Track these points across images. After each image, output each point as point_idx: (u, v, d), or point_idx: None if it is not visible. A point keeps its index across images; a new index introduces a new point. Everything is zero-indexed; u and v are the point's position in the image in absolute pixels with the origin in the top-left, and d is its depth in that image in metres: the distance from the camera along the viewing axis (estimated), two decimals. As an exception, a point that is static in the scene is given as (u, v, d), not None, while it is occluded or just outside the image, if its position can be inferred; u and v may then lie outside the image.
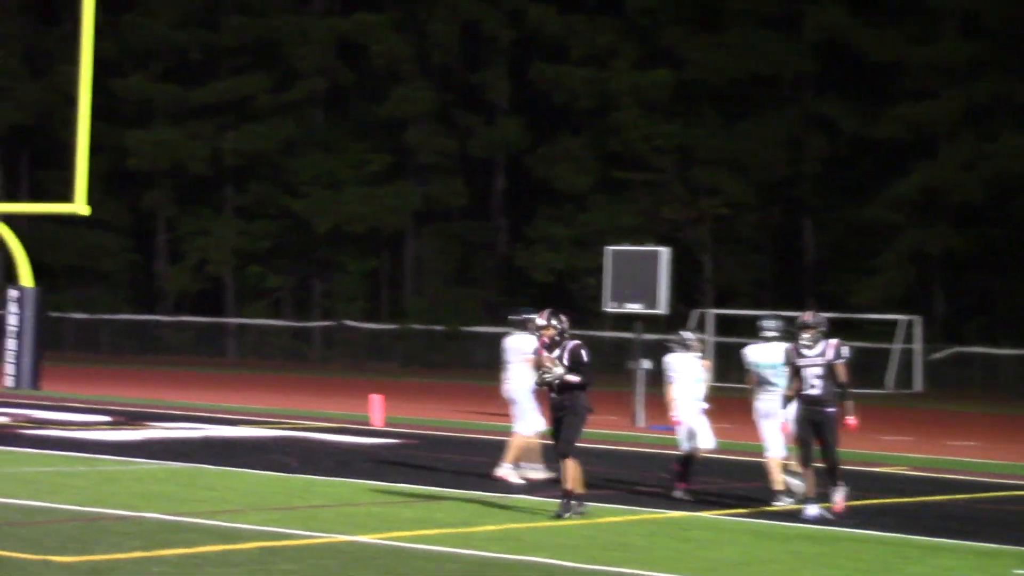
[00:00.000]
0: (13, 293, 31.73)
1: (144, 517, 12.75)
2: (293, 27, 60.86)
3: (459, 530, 12.85)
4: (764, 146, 54.75)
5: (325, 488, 15.82)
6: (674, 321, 33.89)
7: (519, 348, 17.14)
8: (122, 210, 61.31)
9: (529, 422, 17.04)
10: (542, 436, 16.89)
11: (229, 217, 62.65)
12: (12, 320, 31.43)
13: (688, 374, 15.90)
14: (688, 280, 50.56)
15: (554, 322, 14.04)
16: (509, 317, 17.77)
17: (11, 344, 31.36)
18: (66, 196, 29.70)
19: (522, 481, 16.75)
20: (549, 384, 13.92)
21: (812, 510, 14.21)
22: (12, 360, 31.37)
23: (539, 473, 17.03)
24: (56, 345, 48.84)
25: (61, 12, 59.81)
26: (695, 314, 44.88)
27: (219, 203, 63.19)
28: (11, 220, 33.57)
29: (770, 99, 56.09)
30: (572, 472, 13.82)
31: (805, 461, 14.52)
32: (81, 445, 19.53)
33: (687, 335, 16.37)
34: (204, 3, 62.06)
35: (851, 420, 14.41)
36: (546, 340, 14.06)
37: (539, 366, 14.09)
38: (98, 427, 22.85)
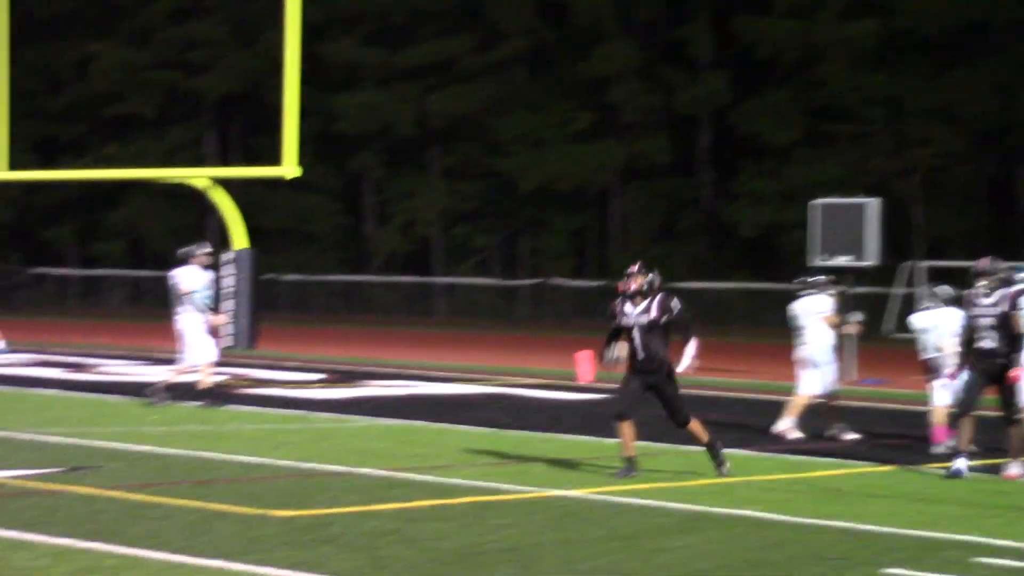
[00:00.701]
0: (229, 255, 32.47)
1: (359, 472, 12.99)
2: (496, -13, 61.02)
3: (671, 484, 12.86)
4: (975, 95, 53.46)
5: (536, 443, 15.94)
6: (883, 273, 33.33)
7: (813, 309, 17.16)
8: (331, 173, 62.21)
9: (819, 382, 17.06)
10: (833, 397, 17.09)
11: (436, 178, 63.24)
12: (229, 282, 32.17)
13: (947, 329, 15.42)
14: (897, 232, 49.68)
15: (641, 273, 13.10)
16: (800, 280, 17.70)
17: (228, 305, 32.11)
18: (277, 160, 30.21)
19: (801, 435, 16.79)
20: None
21: (960, 463, 13.74)
22: (230, 321, 32.14)
23: (847, 434, 16.98)
24: (271, 306, 49.84)
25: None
26: (906, 266, 44.12)
27: (426, 164, 63.81)
28: (225, 185, 34.34)
29: (981, 47, 54.74)
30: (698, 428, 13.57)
31: (965, 410, 13.83)
32: (297, 403, 19.95)
33: (943, 290, 16.12)
34: (409, -34, 62.57)
35: (1014, 372, 13.66)
36: (628, 289, 13.08)
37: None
38: (313, 385, 23.31)
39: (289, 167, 29.23)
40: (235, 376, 24.11)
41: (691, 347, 13.33)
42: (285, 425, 17.27)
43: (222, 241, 36.13)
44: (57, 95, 63.67)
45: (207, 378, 19.12)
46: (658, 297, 13.06)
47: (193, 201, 52.87)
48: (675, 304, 13.10)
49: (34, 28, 56.78)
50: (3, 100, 31.19)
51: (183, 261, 19.35)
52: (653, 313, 12.94)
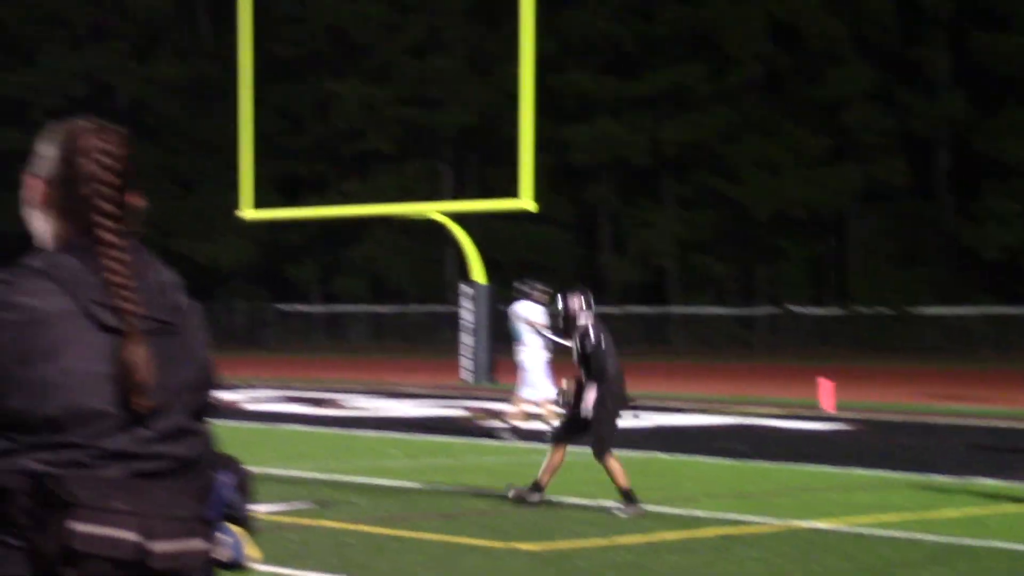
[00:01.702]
0: (467, 290, 32.80)
1: (601, 505, 12.97)
2: (728, 13, 60.80)
3: (919, 515, 12.57)
4: None
5: (778, 474, 15.74)
6: None
7: None
8: (566, 204, 62.55)
9: None
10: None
11: (670, 207, 63.12)
12: (467, 316, 32.49)
13: None
14: None
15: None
16: None
17: (467, 339, 32.42)
18: (513, 193, 30.46)
19: None
20: None
21: None
22: (468, 355, 32.44)
23: None
24: (509, 339, 50.22)
25: (502, 13, 61.49)
26: None
27: (660, 193, 63.73)
28: (463, 219, 34.74)
29: None
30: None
31: None
32: (537, 435, 20.03)
33: None
34: (638, -5, 62.73)
35: None
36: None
37: None
38: (553, 417, 23.37)
39: (526, 200, 29.41)
40: (473, 409, 24.30)
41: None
42: (525, 457, 17.34)
43: (460, 275, 36.55)
44: (299, 134, 65.23)
45: (532, 412, 19.43)
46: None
47: (431, 235, 53.61)
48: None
49: (277, 69, 58.30)
50: (248, 141, 32.04)
51: (522, 296, 19.74)
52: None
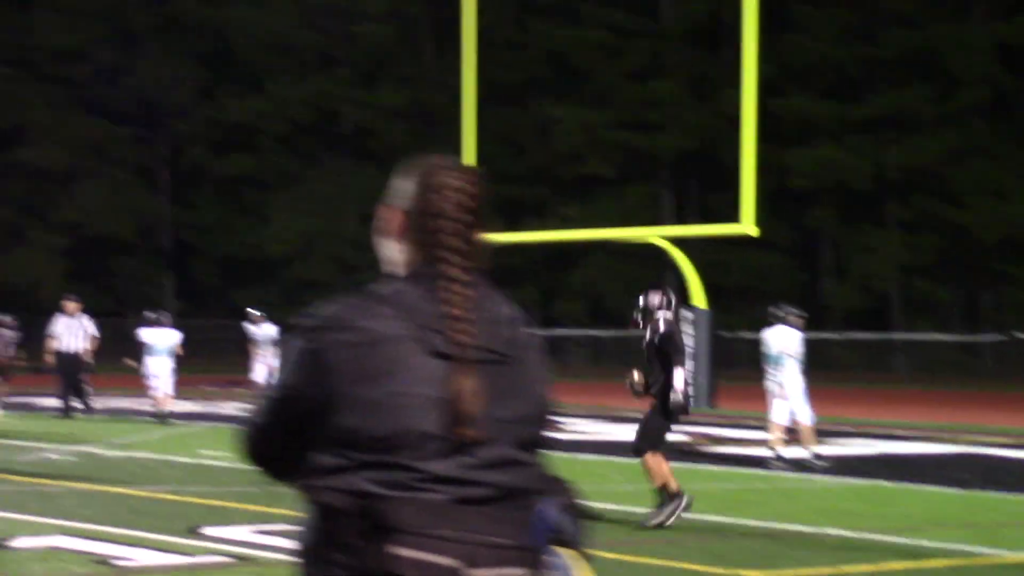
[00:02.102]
0: (687, 315, 32.77)
1: (825, 533, 12.88)
2: (952, 35, 59.77)
3: None
4: None
5: (1008, 504, 15.45)
6: None
7: None
8: (785, 229, 62.04)
9: None
10: None
11: (893, 231, 62.19)
12: (687, 341, 32.44)
13: None
14: None
15: None
16: None
17: (687, 364, 32.40)
18: (733, 217, 30.35)
19: None
20: None
21: None
22: (689, 380, 32.40)
23: None
24: (728, 364, 49.98)
25: (723, 37, 61.31)
26: None
27: (882, 218, 62.83)
28: (683, 243, 34.71)
29: None
30: None
31: None
32: (758, 461, 19.93)
33: None
34: (861, 18, 61.98)
35: None
36: None
37: None
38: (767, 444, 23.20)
39: (747, 225, 29.28)
40: (695, 435, 24.28)
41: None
42: (748, 484, 17.29)
43: (680, 300, 36.52)
44: (520, 159, 65.81)
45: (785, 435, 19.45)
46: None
47: (650, 260, 53.62)
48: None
49: (497, 94, 58.94)
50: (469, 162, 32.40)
51: (777, 321, 19.84)
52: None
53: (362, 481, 3.08)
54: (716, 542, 12.40)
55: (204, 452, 19.61)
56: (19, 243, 67.18)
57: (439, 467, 3.10)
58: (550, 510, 3.20)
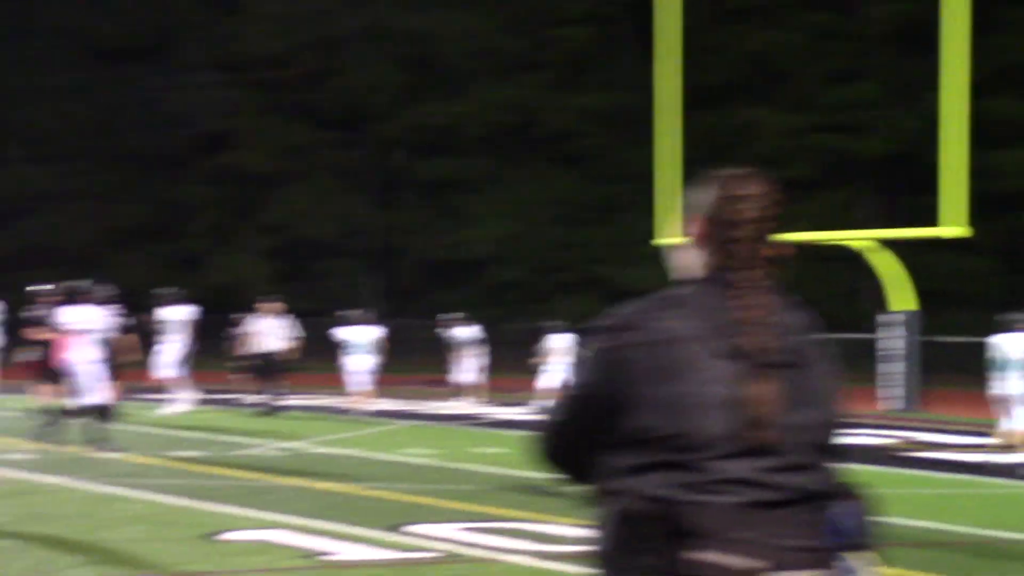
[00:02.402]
0: (892, 318, 32.30)
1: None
2: None
3: None
4: None
5: None
6: None
7: None
8: (992, 232, 60.66)
9: None
10: None
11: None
12: (891, 344, 32.00)
13: None
14: None
15: None
16: None
17: (888, 368, 31.94)
18: (936, 220, 29.86)
19: None
20: None
21: None
22: (890, 384, 31.94)
23: None
24: (936, 368, 49.12)
25: (927, 39, 60.24)
26: None
27: (1095, 221, 61.20)
28: (891, 245, 34.22)
29: None
30: None
31: None
32: (968, 467, 19.57)
33: None
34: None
35: None
36: None
37: None
38: (978, 449, 22.78)
39: (957, 227, 28.79)
40: (901, 439, 23.93)
41: None
42: (958, 490, 16.99)
43: (878, 304, 35.99)
44: (721, 162, 65.32)
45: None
46: None
47: (847, 264, 52.91)
48: None
49: (699, 97, 58.70)
50: (677, 168, 32.41)
51: (1012, 327, 19.65)
52: None
53: (658, 484, 3.13)
54: (927, 550, 12.21)
55: (408, 450, 19.86)
56: (228, 245, 68.82)
57: (733, 469, 3.13)
58: (844, 514, 3.20)
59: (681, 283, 3.33)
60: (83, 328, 19.26)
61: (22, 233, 74.85)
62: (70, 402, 19.25)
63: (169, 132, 71.72)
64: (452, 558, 10.75)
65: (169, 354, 26.61)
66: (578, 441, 3.31)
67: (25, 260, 70.53)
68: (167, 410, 26.22)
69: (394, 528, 12.08)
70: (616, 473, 3.19)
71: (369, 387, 27.58)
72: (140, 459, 17.70)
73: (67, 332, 19.28)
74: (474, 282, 65.79)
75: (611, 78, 67.25)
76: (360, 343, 27.74)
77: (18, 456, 17.60)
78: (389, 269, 70.57)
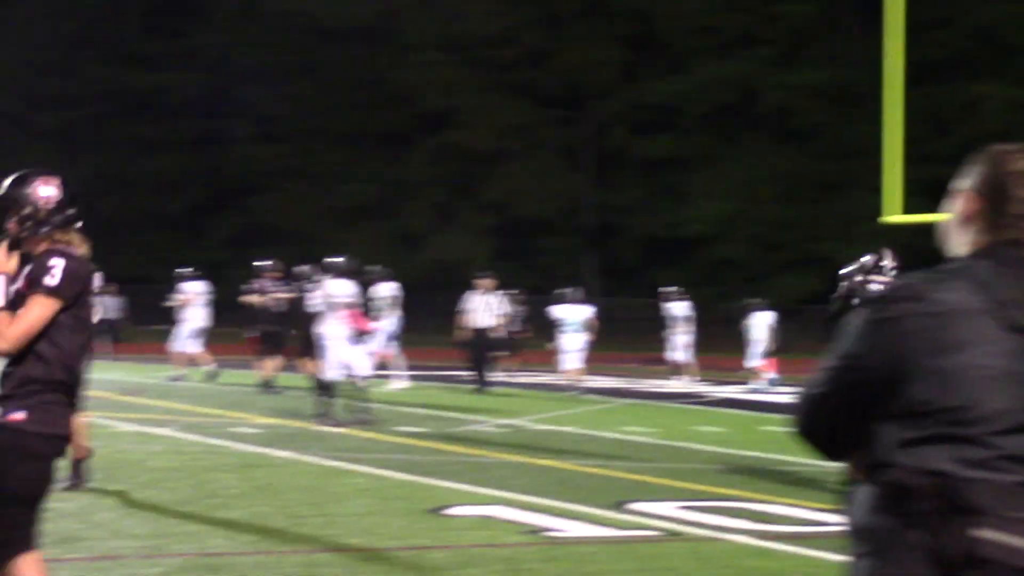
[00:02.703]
0: None
1: None
2: None
3: None
4: None
5: None
6: None
7: None
8: None
9: None
10: None
11: None
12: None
13: None
14: None
15: None
16: None
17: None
18: None
19: None
20: None
21: None
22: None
23: None
24: None
25: None
26: None
27: None
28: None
29: None
30: None
31: None
32: None
33: None
34: None
35: None
36: None
37: None
38: None
39: None
40: None
41: None
42: None
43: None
44: (945, 137, 64.11)
45: None
46: None
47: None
48: None
49: (923, 72, 57.62)
50: (898, 144, 31.86)
51: None
52: None
53: (935, 458, 3.09)
54: None
55: (627, 428, 19.93)
56: (450, 223, 69.60)
57: (1011, 445, 3.09)
58: None
59: (955, 259, 3.34)
60: (342, 302, 19.64)
61: (248, 212, 76.72)
62: (325, 375, 19.61)
63: (392, 111, 72.80)
64: (674, 536, 10.79)
65: (384, 331, 27.01)
66: (842, 414, 3.26)
67: (250, 238, 72.28)
68: (390, 386, 26.65)
69: (616, 506, 12.15)
70: (885, 447, 3.16)
71: (580, 365, 27.74)
72: (364, 434, 18.06)
73: (348, 306, 19.66)
74: (692, 261, 65.53)
75: (833, 53, 66.35)
76: (572, 322, 27.90)
77: (247, 430, 18.09)
78: (606, 248, 70.67)
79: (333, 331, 19.48)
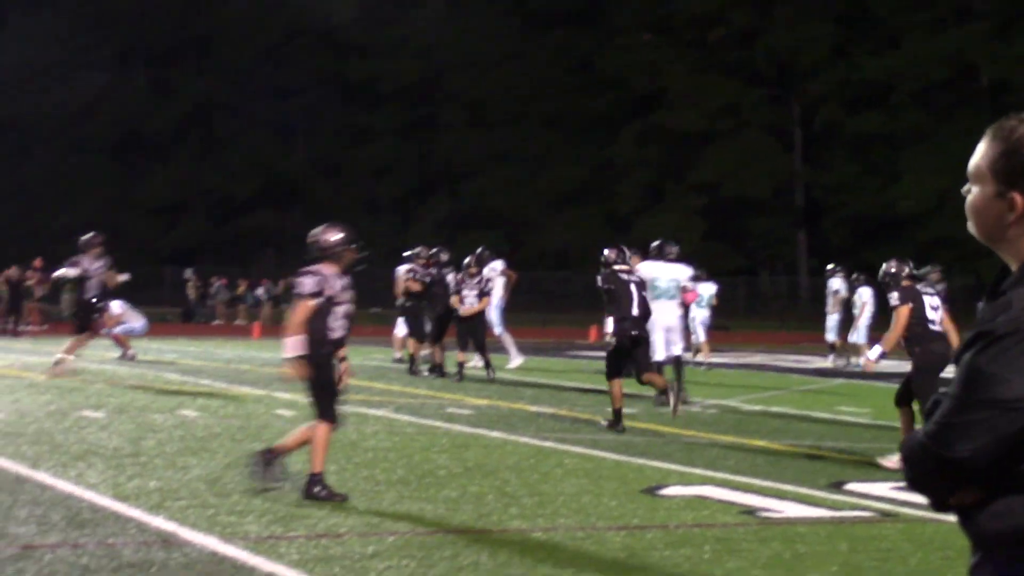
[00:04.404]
0: None
1: None
2: None
3: None
4: None
5: None
6: None
7: None
8: None
9: None
10: None
11: None
12: None
13: None
14: None
15: None
16: None
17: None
18: None
19: None
20: None
21: None
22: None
23: None
24: None
25: None
26: None
27: None
28: None
29: None
30: None
31: None
32: None
33: None
34: None
35: None
36: None
37: None
38: None
39: None
40: None
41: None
42: None
43: None
44: None
45: None
46: None
47: None
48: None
49: None
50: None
51: None
52: None
53: None
54: None
55: (840, 408, 19.72)
56: (659, 203, 69.45)
57: None
58: None
59: None
60: (677, 287, 19.45)
61: (460, 196, 77.39)
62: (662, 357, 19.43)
63: (602, 94, 72.84)
64: (889, 517, 10.66)
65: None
66: (990, 472, 2.85)
67: (463, 222, 72.89)
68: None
69: (832, 486, 12.05)
70: None
71: (702, 338, 28.00)
72: (575, 414, 18.14)
73: (683, 289, 19.68)
74: (904, 239, 64.41)
75: (1051, 25, 64.62)
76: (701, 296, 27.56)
77: (459, 411, 18.29)
78: (817, 226, 69.89)
79: (665, 316, 19.17)
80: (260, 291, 53.99)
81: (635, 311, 16.60)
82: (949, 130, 65.30)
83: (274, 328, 50.03)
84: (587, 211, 71.69)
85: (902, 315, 13.83)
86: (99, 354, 27.37)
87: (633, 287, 16.76)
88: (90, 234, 22.74)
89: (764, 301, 62.99)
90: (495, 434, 15.61)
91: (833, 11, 68.10)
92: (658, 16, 69.52)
